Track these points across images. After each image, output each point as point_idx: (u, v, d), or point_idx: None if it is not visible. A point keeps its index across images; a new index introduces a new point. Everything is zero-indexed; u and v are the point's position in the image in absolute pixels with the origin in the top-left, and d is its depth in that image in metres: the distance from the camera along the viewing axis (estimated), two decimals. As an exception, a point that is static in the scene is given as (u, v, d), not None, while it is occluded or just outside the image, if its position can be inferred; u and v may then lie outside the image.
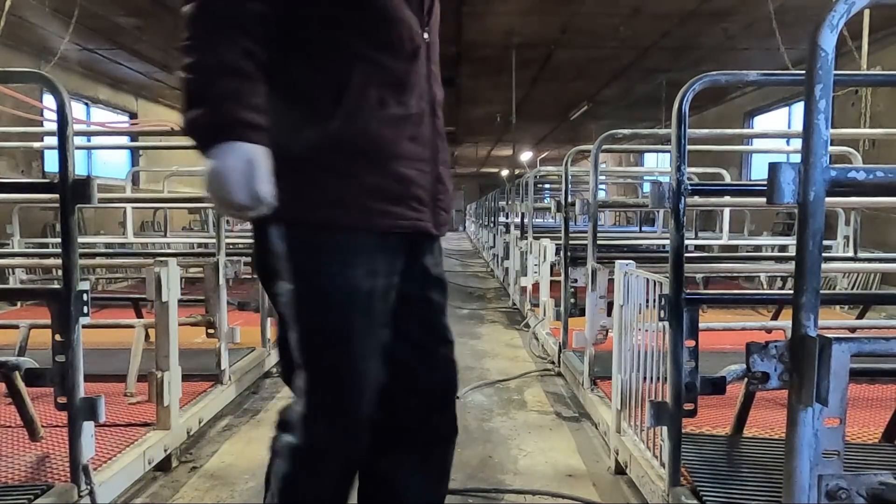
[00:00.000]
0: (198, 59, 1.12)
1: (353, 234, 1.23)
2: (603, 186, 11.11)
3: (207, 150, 1.11)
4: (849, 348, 1.09)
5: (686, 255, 1.91)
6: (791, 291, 1.17)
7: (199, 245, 6.36)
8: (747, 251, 5.80)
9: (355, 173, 1.21)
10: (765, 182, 1.16)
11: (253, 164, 1.10)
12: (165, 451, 2.42)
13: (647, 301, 2.08)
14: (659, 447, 1.96)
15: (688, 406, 1.79)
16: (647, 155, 15.48)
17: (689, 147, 1.76)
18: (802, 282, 1.13)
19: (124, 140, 7.55)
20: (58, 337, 1.76)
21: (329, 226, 1.22)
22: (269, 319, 3.75)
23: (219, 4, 1.13)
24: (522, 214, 6.61)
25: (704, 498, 1.76)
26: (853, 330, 3.23)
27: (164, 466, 2.45)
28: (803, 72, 1.16)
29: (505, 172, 24.53)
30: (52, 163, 8.88)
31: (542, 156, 20.68)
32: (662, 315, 1.84)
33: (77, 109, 9.75)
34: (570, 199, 3.85)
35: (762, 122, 11.45)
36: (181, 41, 1.12)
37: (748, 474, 1.92)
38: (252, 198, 1.10)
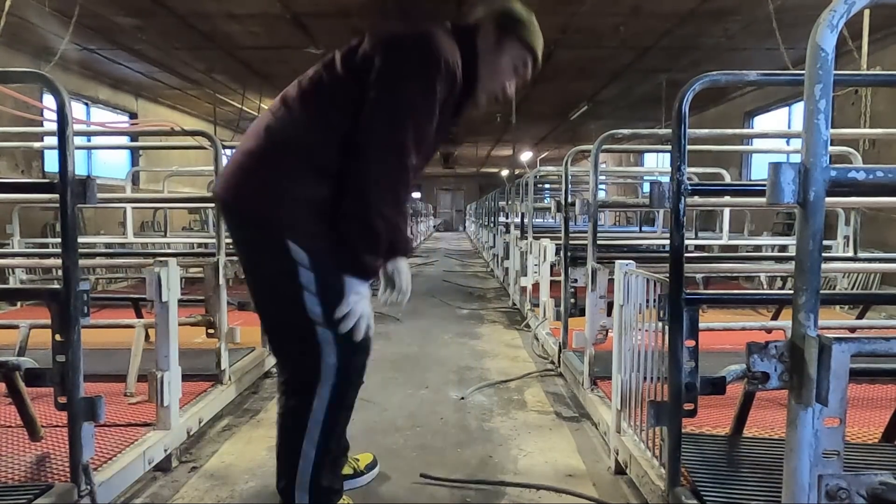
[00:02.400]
0: (394, 210, 1.71)
1: None
2: (603, 186, 11.10)
3: (393, 260, 1.89)
4: (849, 348, 1.09)
5: (686, 255, 1.91)
6: (791, 291, 1.17)
7: (199, 245, 6.36)
8: (747, 251, 5.80)
9: None
10: (765, 182, 1.16)
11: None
12: (165, 451, 2.42)
13: (647, 301, 2.08)
14: (659, 447, 1.96)
15: (688, 406, 1.78)
16: (647, 155, 15.50)
17: (689, 147, 1.75)
18: (802, 282, 1.13)
19: (124, 140, 7.55)
20: (58, 337, 1.75)
21: None
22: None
23: (400, 176, 1.70)
24: (522, 214, 6.61)
25: (704, 498, 1.76)
26: (853, 330, 3.22)
27: (164, 466, 2.46)
28: (803, 72, 1.16)
29: (505, 172, 24.52)
30: (52, 163, 8.88)
31: (542, 156, 20.67)
32: (662, 315, 1.84)
33: (77, 109, 9.75)
34: (570, 199, 3.84)
35: (762, 122, 11.45)
36: (376, 191, 1.67)
37: (748, 474, 1.92)
38: None
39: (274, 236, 1.72)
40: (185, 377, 2.64)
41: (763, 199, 1.18)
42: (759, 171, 11.47)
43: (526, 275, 5.69)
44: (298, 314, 1.72)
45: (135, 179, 8.24)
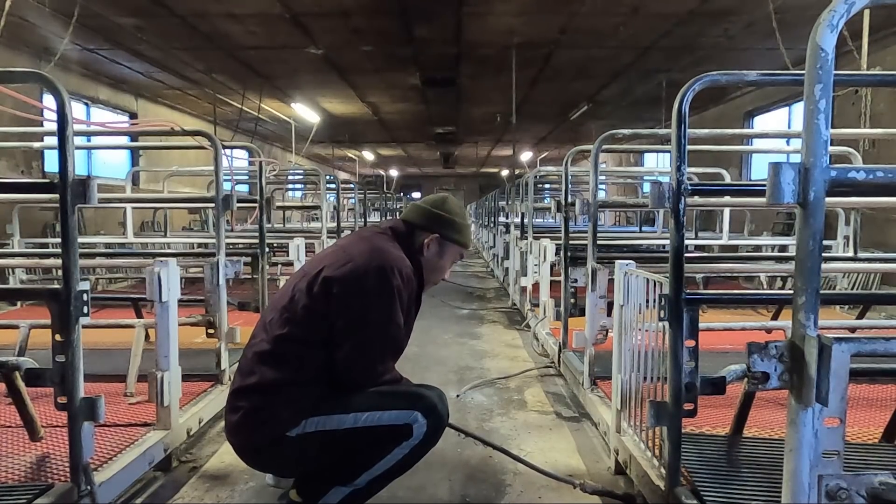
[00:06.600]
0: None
1: None
2: (603, 186, 11.09)
3: None
4: (849, 348, 1.09)
5: (686, 255, 1.91)
6: (791, 291, 1.17)
7: (199, 245, 6.36)
8: (747, 251, 5.80)
9: None
10: (765, 182, 1.16)
11: None
12: (165, 451, 2.42)
13: (647, 301, 2.08)
14: (659, 447, 1.96)
15: (688, 406, 1.78)
16: (647, 155, 15.49)
17: (689, 147, 1.75)
18: (802, 282, 1.13)
19: (124, 140, 7.52)
20: (58, 337, 1.75)
21: None
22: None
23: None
24: (522, 214, 6.60)
25: (704, 498, 1.76)
26: (853, 330, 3.22)
27: (164, 466, 2.46)
28: (803, 72, 1.16)
29: (505, 172, 24.51)
30: (52, 163, 8.88)
31: (542, 156, 20.65)
32: (662, 315, 1.83)
33: (77, 109, 9.72)
34: (570, 199, 3.84)
35: (762, 122, 11.45)
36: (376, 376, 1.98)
37: (748, 474, 1.92)
38: None
39: None
40: (185, 377, 2.64)
41: (763, 199, 1.18)
42: (759, 171, 11.47)
43: (526, 275, 5.69)
44: None
45: (135, 179, 8.24)
